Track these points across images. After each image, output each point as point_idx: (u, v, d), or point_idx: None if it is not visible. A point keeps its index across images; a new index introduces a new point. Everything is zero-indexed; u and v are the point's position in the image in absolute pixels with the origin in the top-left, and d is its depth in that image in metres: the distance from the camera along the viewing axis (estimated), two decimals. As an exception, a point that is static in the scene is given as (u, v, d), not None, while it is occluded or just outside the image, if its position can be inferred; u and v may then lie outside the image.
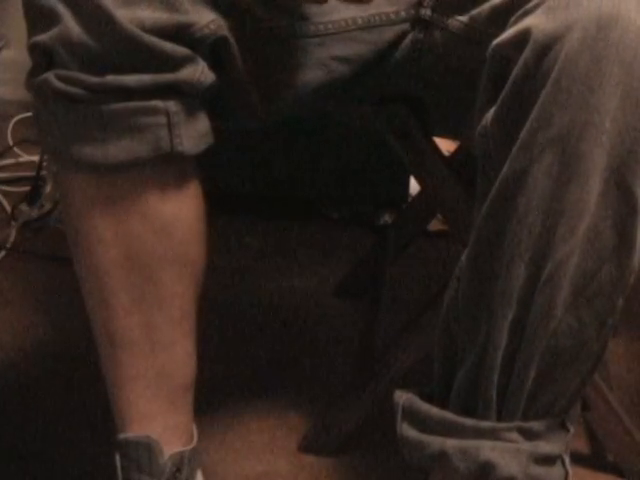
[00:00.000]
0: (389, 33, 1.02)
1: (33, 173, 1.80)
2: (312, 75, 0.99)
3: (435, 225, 1.67)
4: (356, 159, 1.79)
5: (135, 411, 0.98)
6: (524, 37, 0.83)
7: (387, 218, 1.79)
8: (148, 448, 0.97)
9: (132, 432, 0.98)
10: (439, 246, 1.70)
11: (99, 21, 0.85)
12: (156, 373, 0.97)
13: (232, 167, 1.77)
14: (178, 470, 0.98)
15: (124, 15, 0.85)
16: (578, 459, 1.21)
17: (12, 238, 1.68)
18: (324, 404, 1.29)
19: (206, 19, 0.90)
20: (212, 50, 0.91)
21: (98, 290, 0.96)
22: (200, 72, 0.90)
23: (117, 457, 0.98)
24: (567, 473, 0.93)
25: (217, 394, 1.30)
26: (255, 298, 1.56)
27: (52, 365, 1.36)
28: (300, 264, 1.68)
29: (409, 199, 1.79)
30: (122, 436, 0.98)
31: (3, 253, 1.64)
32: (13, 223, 1.72)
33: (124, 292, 0.95)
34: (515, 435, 0.90)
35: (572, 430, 0.93)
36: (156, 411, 0.98)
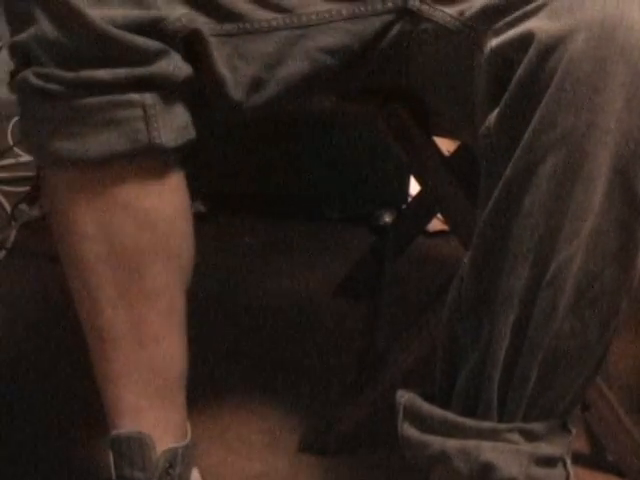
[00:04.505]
0: (375, 24, 1.01)
1: (33, 173, 1.80)
2: (296, 67, 0.99)
3: (435, 225, 1.67)
4: (356, 159, 1.79)
5: (125, 406, 0.98)
6: (527, 39, 0.82)
7: (387, 218, 1.79)
8: (140, 443, 0.97)
9: (123, 428, 0.98)
10: (439, 246, 1.70)
11: (71, 20, 0.87)
12: (145, 368, 0.98)
13: (232, 167, 1.77)
14: (171, 466, 0.98)
15: (95, 14, 0.87)
16: (578, 459, 1.21)
17: (12, 238, 1.68)
18: (324, 404, 1.29)
19: (177, 13, 0.91)
20: (186, 43, 0.92)
21: (84, 285, 0.96)
22: (174, 65, 0.91)
23: (110, 454, 0.99)
24: (568, 475, 0.93)
25: (217, 394, 1.30)
26: (255, 298, 1.56)
27: (52, 365, 1.35)
28: (300, 264, 1.67)
29: (409, 199, 1.79)
30: (114, 433, 0.98)
31: (3, 253, 1.64)
32: (13, 223, 1.72)
33: (109, 286, 0.95)
34: (516, 436, 0.90)
35: (574, 432, 0.93)
36: (146, 406, 0.98)
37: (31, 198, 1.76)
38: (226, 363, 1.38)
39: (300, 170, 1.79)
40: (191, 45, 0.93)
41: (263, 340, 1.45)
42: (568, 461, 0.93)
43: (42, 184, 0.95)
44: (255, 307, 1.53)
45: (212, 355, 1.37)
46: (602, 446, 1.22)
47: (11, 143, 1.99)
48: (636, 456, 1.18)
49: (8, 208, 1.78)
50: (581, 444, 1.24)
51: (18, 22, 0.90)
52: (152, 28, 0.89)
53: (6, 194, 1.83)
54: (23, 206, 1.75)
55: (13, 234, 1.69)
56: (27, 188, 1.80)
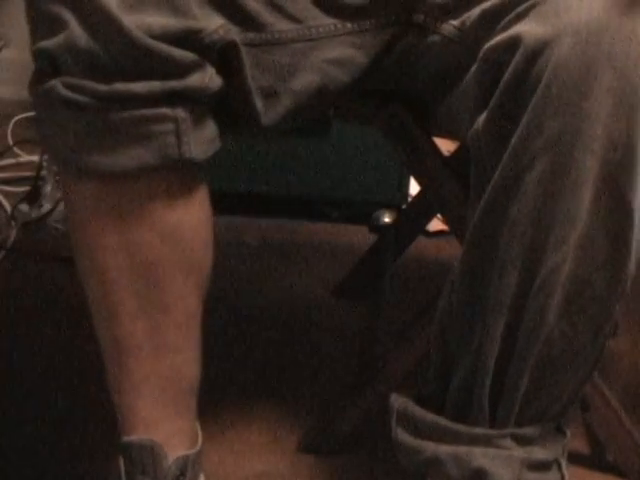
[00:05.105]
0: (381, 37, 1.01)
1: (33, 173, 1.80)
2: (307, 79, 0.98)
3: (435, 225, 1.67)
4: (356, 159, 1.79)
5: (139, 416, 0.97)
6: (515, 42, 0.82)
7: (387, 218, 1.79)
8: (152, 452, 0.96)
9: (135, 435, 0.97)
10: (439, 246, 1.70)
11: (106, 27, 0.84)
12: (160, 378, 0.97)
13: (232, 167, 1.77)
14: (182, 474, 0.98)
15: (131, 21, 0.84)
16: (578, 459, 1.21)
17: (12, 238, 1.68)
18: (324, 404, 1.29)
19: (215, 24, 0.89)
20: (220, 55, 0.90)
21: (103, 296, 0.95)
22: (208, 78, 0.89)
23: (121, 460, 0.98)
24: (563, 477, 0.93)
25: (217, 394, 1.30)
26: (255, 298, 1.56)
27: (53, 366, 1.35)
28: (300, 264, 1.68)
29: (409, 199, 1.79)
30: (126, 439, 0.97)
31: (3, 253, 1.64)
32: (13, 223, 1.72)
33: (129, 298, 0.94)
34: (508, 442, 0.90)
35: (569, 434, 0.93)
36: (160, 416, 0.97)
37: (31, 198, 1.76)
38: (226, 363, 1.38)
39: (300, 170, 1.79)
40: (223, 57, 0.91)
41: (263, 340, 1.45)
42: (563, 463, 0.93)
43: (58, 190, 0.92)
44: (255, 307, 1.53)
45: (211, 355, 1.37)
46: (602, 446, 1.22)
47: (11, 143, 1.99)
48: (636, 456, 1.18)
49: (8, 208, 1.78)
50: (581, 444, 1.24)
51: (44, 25, 0.86)
52: (189, 39, 0.87)
53: (6, 194, 1.83)
54: (23, 206, 1.75)
55: (13, 234, 1.69)
56: (27, 188, 1.80)
